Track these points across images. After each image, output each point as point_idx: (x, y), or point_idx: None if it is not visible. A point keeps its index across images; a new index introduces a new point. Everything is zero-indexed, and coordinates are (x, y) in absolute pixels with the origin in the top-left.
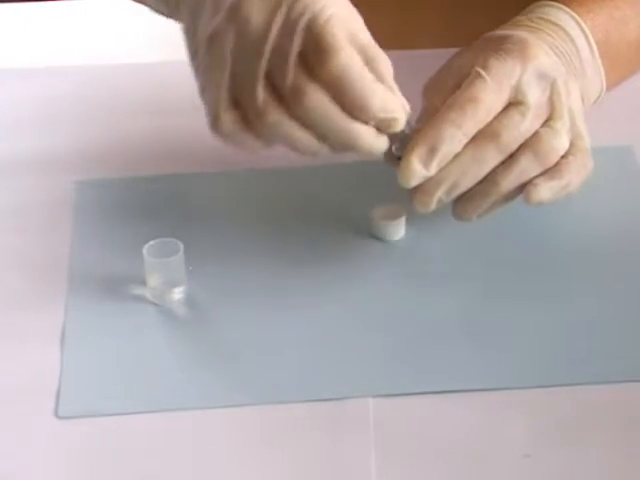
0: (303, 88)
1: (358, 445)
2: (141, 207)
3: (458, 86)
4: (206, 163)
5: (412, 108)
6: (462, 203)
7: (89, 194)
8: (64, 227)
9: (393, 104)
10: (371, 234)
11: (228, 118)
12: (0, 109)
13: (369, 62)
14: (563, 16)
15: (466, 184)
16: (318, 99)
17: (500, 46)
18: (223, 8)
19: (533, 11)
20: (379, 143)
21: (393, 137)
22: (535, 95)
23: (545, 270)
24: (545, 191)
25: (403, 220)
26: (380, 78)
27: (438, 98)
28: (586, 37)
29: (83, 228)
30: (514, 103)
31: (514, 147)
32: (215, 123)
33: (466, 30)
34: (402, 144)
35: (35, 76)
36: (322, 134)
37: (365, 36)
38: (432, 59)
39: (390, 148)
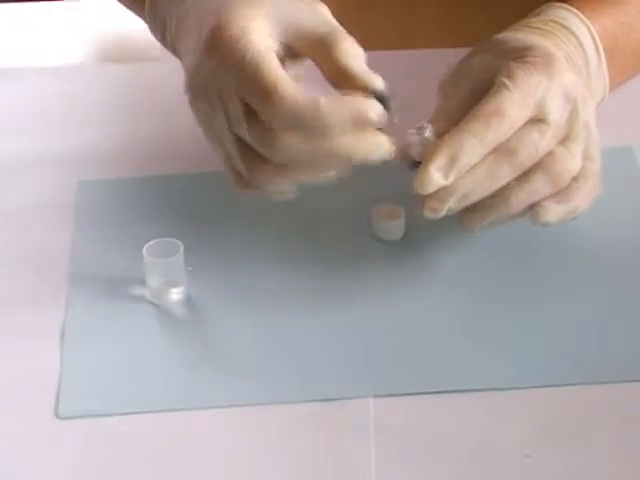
0: (267, 140)
1: (358, 445)
2: (141, 207)
3: (475, 91)
4: (206, 163)
5: (413, 107)
6: (469, 213)
7: (90, 194)
8: (65, 227)
9: (357, 107)
10: (371, 234)
11: (242, 189)
12: (2, 109)
13: (331, 51)
14: (575, 20)
15: (477, 196)
16: (285, 143)
17: (524, 57)
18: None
19: (546, 13)
20: (384, 148)
21: (409, 139)
22: (556, 114)
23: (545, 270)
24: (552, 214)
25: (403, 220)
26: (344, 60)
27: (453, 100)
28: (595, 44)
29: (84, 228)
30: (534, 120)
31: (529, 165)
32: (236, 193)
33: (466, 30)
34: (420, 147)
35: (36, 76)
36: (316, 165)
37: (319, 29)
38: (432, 59)
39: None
